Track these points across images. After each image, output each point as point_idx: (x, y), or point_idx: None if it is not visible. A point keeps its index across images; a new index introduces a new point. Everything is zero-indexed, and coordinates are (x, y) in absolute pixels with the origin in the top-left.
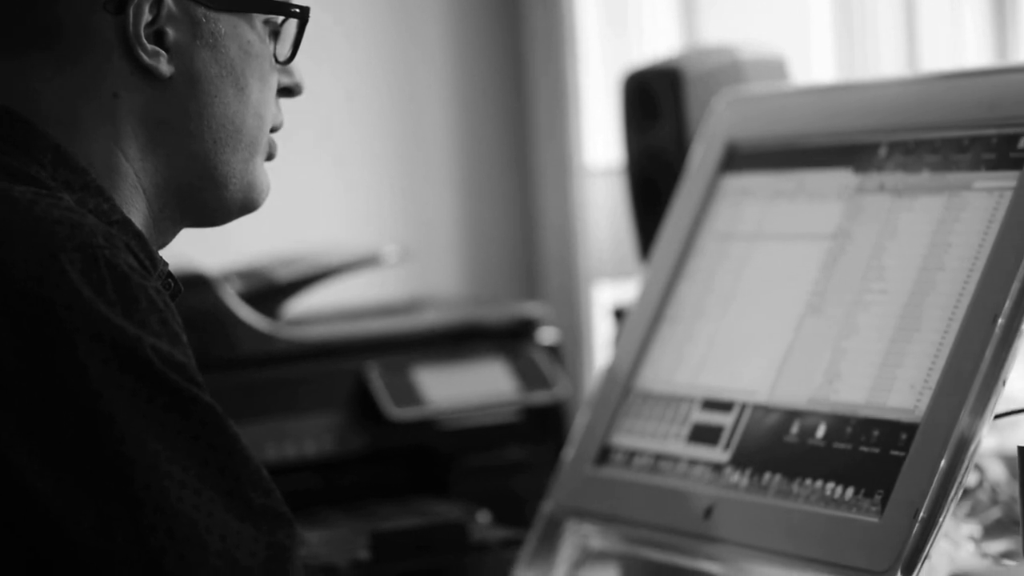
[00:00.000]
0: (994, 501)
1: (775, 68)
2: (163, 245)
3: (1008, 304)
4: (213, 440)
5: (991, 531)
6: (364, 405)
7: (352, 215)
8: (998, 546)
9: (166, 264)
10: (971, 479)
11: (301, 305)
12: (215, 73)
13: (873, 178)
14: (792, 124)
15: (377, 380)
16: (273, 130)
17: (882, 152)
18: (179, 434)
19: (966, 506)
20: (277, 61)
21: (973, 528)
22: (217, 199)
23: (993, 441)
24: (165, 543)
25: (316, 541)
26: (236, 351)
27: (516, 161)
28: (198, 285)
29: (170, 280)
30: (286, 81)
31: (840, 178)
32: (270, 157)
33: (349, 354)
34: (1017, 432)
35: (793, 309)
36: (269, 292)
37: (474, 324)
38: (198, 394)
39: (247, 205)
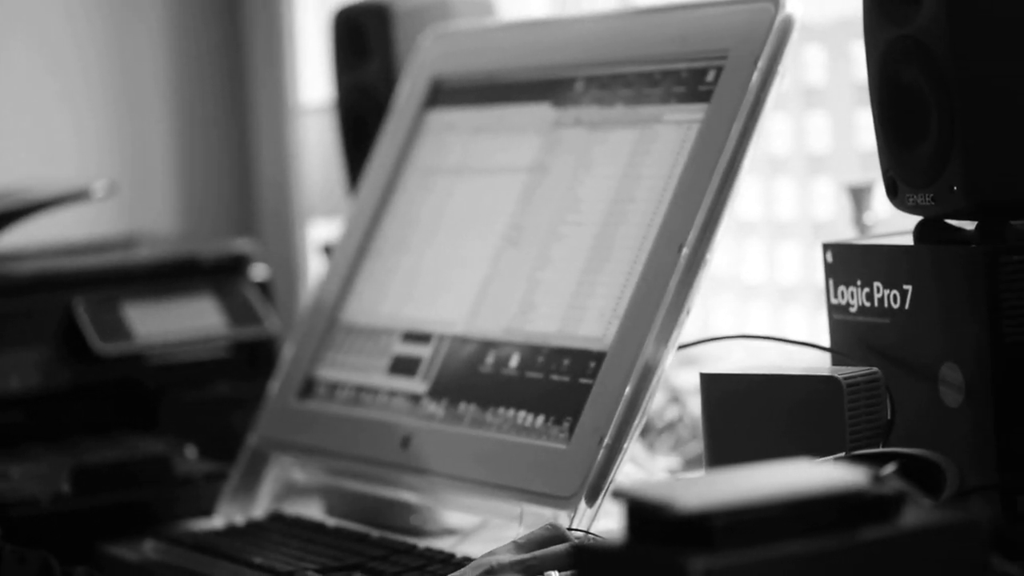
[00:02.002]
0: (695, 435)
1: (483, 5)
2: None
3: (692, 235)
4: None
5: (691, 464)
6: (71, 340)
7: (64, 150)
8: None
9: None
10: (673, 413)
11: (9, 240)
12: None
13: (570, 112)
14: (495, 60)
15: (83, 315)
16: None
17: (579, 87)
18: None
19: (669, 440)
20: None
21: (673, 461)
22: None
23: (695, 376)
24: None
25: (18, 475)
26: None
27: (231, 98)
28: None
29: None
30: None
31: (539, 112)
32: None
33: (56, 289)
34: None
35: (491, 241)
36: None
37: (185, 260)
38: None
39: None
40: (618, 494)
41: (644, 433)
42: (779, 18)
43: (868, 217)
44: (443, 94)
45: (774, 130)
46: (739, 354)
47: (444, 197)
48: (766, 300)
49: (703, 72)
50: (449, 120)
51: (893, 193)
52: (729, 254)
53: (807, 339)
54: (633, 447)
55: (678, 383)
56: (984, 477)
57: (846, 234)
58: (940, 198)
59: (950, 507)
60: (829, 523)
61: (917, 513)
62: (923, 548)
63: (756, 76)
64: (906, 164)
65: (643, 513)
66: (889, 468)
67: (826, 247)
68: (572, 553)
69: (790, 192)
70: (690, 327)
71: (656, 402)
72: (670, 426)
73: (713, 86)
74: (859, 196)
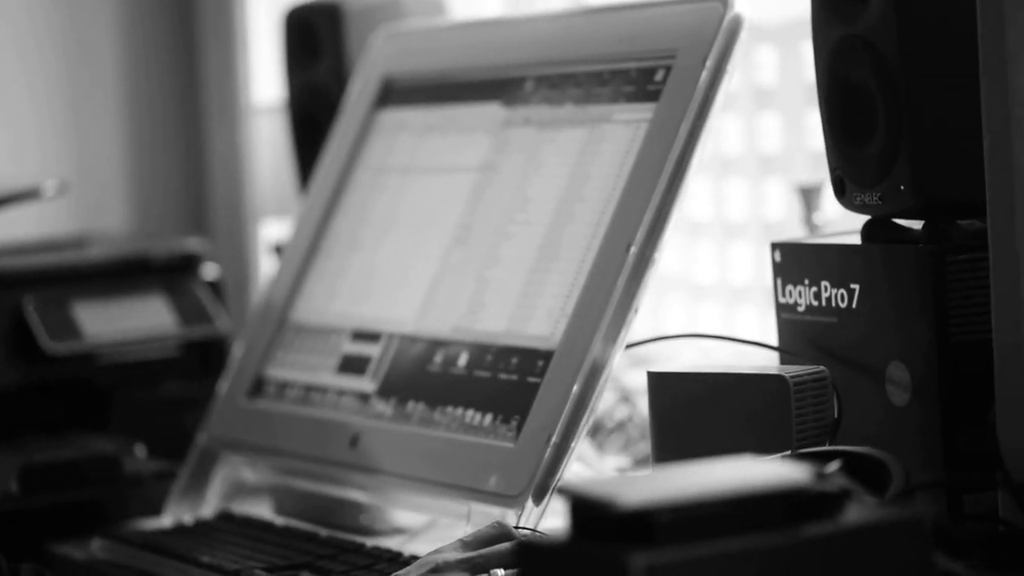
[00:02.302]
0: (644, 435)
1: (435, 5)
2: None
3: (641, 233)
4: None
5: (641, 464)
6: (21, 339)
7: (16, 149)
8: None
9: None
10: (623, 413)
11: None
12: None
13: (519, 112)
14: (445, 59)
15: (34, 314)
16: None
17: (528, 86)
18: None
19: (619, 440)
20: None
21: (623, 461)
22: None
23: (645, 375)
24: None
25: None
26: None
27: (183, 97)
28: None
29: None
30: None
31: (489, 112)
32: None
33: (6, 288)
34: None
35: (441, 241)
36: None
37: (136, 259)
38: None
39: None
40: (561, 491)
41: (594, 433)
42: (727, 18)
43: (817, 217)
44: (394, 93)
45: (725, 131)
46: (691, 354)
47: (394, 196)
48: (718, 300)
49: (652, 71)
50: (400, 119)
51: (841, 192)
52: (681, 255)
53: (758, 339)
54: (582, 447)
55: (628, 383)
56: (931, 476)
57: (797, 234)
58: (887, 197)
59: (894, 505)
60: (771, 520)
61: (860, 510)
62: (866, 545)
63: (704, 75)
64: (854, 163)
65: (586, 510)
66: (833, 466)
67: (774, 246)
68: (516, 550)
69: (741, 192)
70: (642, 328)
71: (606, 402)
72: (620, 426)
73: (662, 85)
74: (809, 196)
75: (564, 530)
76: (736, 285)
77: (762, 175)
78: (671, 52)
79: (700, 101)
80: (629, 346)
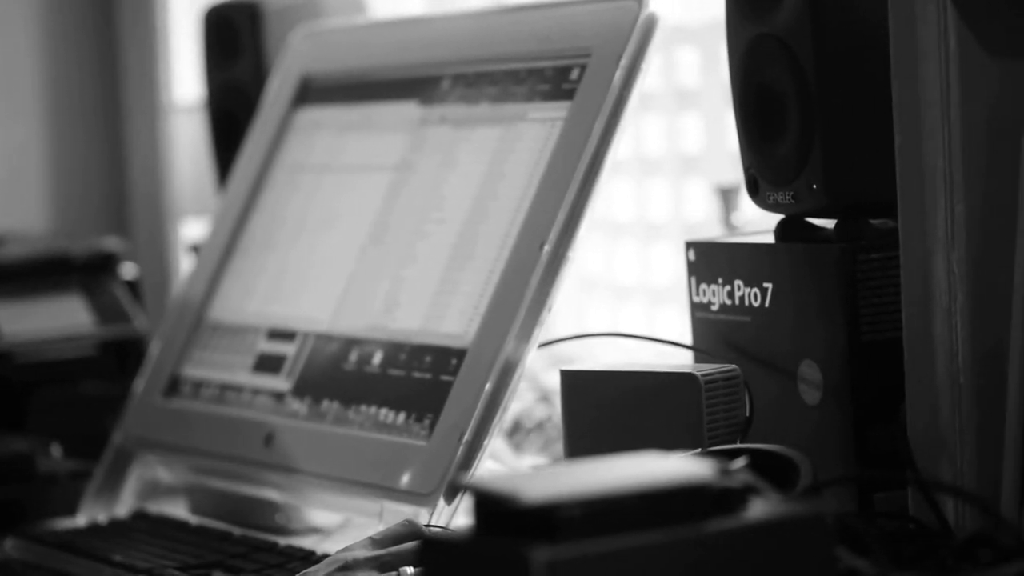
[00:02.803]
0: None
1: (354, 4)
2: None
3: (554, 232)
4: None
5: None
6: None
7: None
8: None
9: None
10: (542, 413)
11: None
12: None
13: (436, 110)
14: (363, 58)
15: None
16: None
17: (445, 85)
18: None
19: (538, 440)
20: None
21: (541, 461)
22: None
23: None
24: None
25: None
26: None
27: (103, 95)
28: None
29: None
30: None
31: (405, 111)
32: None
33: None
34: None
35: (356, 239)
36: None
37: (54, 258)
38: None
39: None
40: (465, 487)
41: (513, 433)
42: (642, 16)
43: (736, 217)
44: (312, 92)
45: (647, 131)
46: (613, 354)
47: (311, 195)
48: (640, 301)
49: (567, 70)
50: (317, 118)
51: (754, 191)
52: (603, 255)
53: (678, 339)
54: (499, 446)
55: (548, 383)
56: (842, 474)
57: (717, 235)
58: (800, 196)
59: (798, 501)
60: (674, 515)
61: (764, 506)
62: (768, 540)
63: (619, 74)
64: (767, 162)
65: (489, 505)
66: (739, 462)
67: (688, 245)
68: (419, 547)
69: (663, 193)
70: (564, 329)
71: (525, 402)
72: (539, 426)
73: (577, 84)
74: (728, 196)
75: (468, 526)
76: (658, 285)
77: (683, 176)
78: (586, 51)
79: (614, 99)
80: (542, 345)
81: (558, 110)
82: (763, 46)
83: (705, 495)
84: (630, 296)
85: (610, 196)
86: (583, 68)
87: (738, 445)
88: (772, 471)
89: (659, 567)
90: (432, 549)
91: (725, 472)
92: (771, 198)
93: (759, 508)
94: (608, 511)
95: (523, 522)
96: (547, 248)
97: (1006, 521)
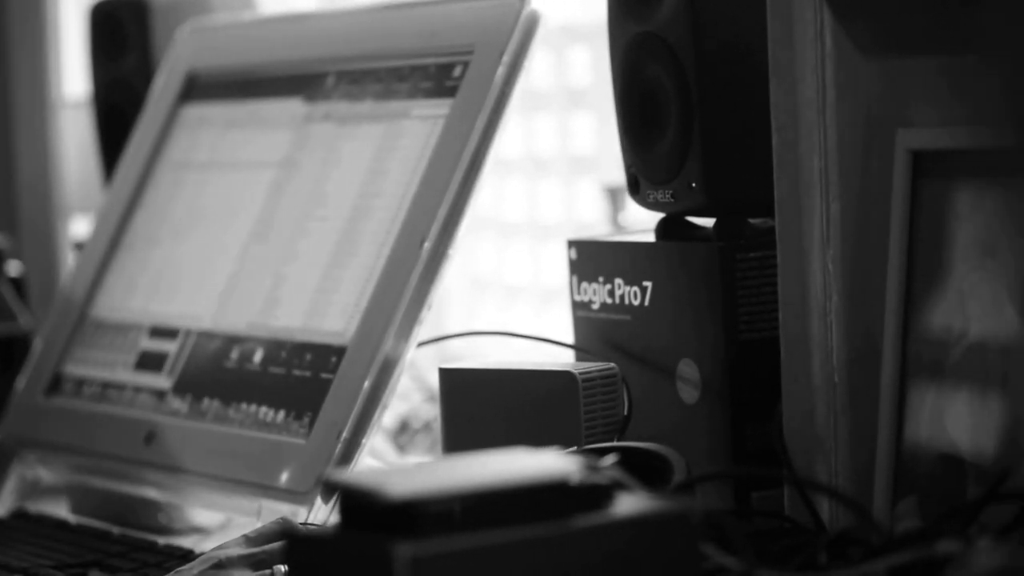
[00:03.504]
0: None
1: (242, 0)
2: None
3: (435, 229)
4: None
5: None
6: None
7: None
8: None
9: None
10: (428, 413)
11: None
12: None
13: (320, 107)
14: (249, 54)
15: None
16: None
17: (330, 82)
18: None
19: (426, 440)
20: None
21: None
22: None
23: None
24: None
25: None
26: None
27: None
28: None
29: None
30: None
31: (290, 107)
32: None
33: None
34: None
35: (240, 236)
36: None
37: None
38: None
39: None
40: (329, 483)
41: (400, 433)
42: (524, 13)
43: (624, 217)
44: (197, 89)
45: (539, 131)
46: (503, 354)
47: (195, 192)
48: (530, 300)
49: (450, 67)
50: (202, 115)
51: (635, 190)
52: (494, 255)
53: (564, 338)
54: (384, 447)
55: (435, 383)
56: (714, 471)
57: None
58: (679, 195)
59: (664, 498)
60: (540, 511)
61: (630, 502)
62: (634, 536)
63: (501, 71)
64: (647, 161)
65: (355, 501)
66: (608, 459)
67: (570, 244)
68: (285, 544)
69: (554, 193)
70: (454, 329)
71: (412, 402)
72: (426, 426)
73: (459, 81)
74: (616, 196)
75: (334, 523)
76: (548, 285)
77: (574, 176)
78: (469, 48)
79: (496, 96)
80: (421, 344)
81: (441, 107)
82: (644, 44)
83: (571, 491)
84: (521, 296)
85: (502, 196)
86: (466, 65)
87: (613, 443)
88: (648, 469)
89: (523, 563)
90: (298, 546)
91: (592, 469)
92: (651, 197)
93: (626, 504)
94: (473, 507)
95: (388, 518)
96: (427, 245)
97: (875, 521)
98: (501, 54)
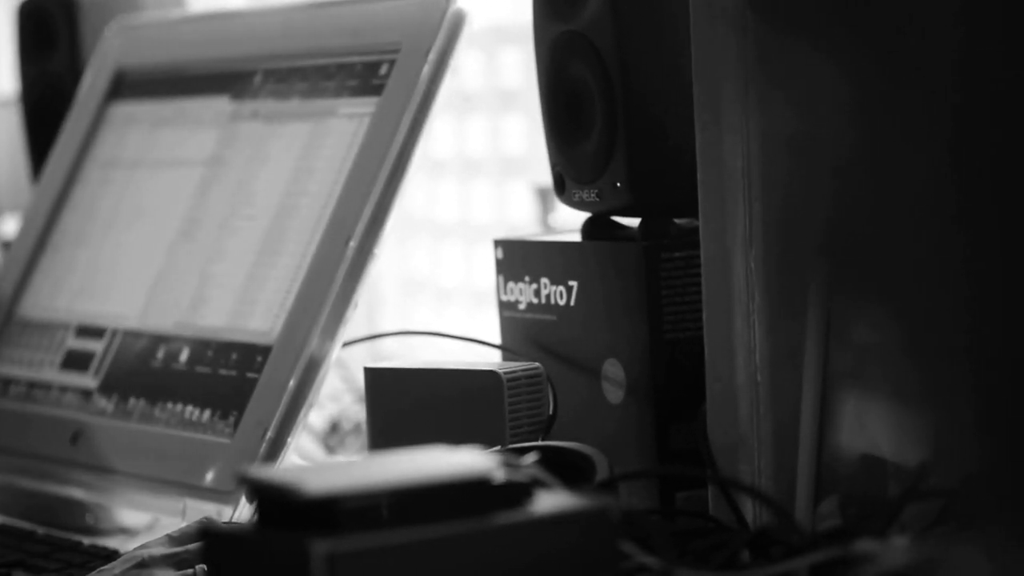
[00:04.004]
0: None
1: None
2: None
3: (360, 227)
4: None
5: None
6: None
7: None
8: None
9: None
10: (360, 414)
11: None
12: None
13: (248, 105)
14: (178, 52)
15: None
16: None
17: (257, 80)
18: None
19: (357, 442)
20: None
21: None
22: None
23: None
24: None
25: None
26: None
27: None
28: None
29: None
30: None
31: (217, 105)
32: None
33: None
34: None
35: (167, 235)
36: None
37: None
38: None
39: None
40: (245, 480)
41: (331, 434)
42: (450, 11)
43: (554, 218)
44: (126, 87)
45: (470, 133)
46: (435, 355)
47: (123, 190)
48: (463, 302)
49: (377, 65)
50: (130, 113)
51: (561, 189)
52: (427, 256)
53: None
54: (312, 448)
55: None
56: (636, 470)
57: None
58: (604, 194)
59: (583, 496)
60: (459, 508)
61: (549, 500)
62: (552, 534)
63: (427, 69)
64: (572, 160)
65: (272, 498)
66: (528, 458)
67: (496, 243)
68: (203, 542)
69: (486, 194)
70: (388, 329)
71: (343, 403)
72: (357, 427)
73: (385, 79)
74: (545, 197)
75: (252, 520)
76: (481, 286)
77: (506, 177)
78: (395, 46)
79: (422, 95)
80: (348, 343)
81: (367, 105)
82: (569, 44)
83: (491, 489)
84: (454, 297)
85: (434, 198)
86: (392, 64)
87: (537, 442)
88: (571, 468)
89: (441, 560)
90: (215, 544)
91: (511, 466)
92: (576, 196)
93: (545, 502)
94: (391, 504)
95: (305, 515)
96: (353, 244)
97: (796, 520)
98: (427, 52)
